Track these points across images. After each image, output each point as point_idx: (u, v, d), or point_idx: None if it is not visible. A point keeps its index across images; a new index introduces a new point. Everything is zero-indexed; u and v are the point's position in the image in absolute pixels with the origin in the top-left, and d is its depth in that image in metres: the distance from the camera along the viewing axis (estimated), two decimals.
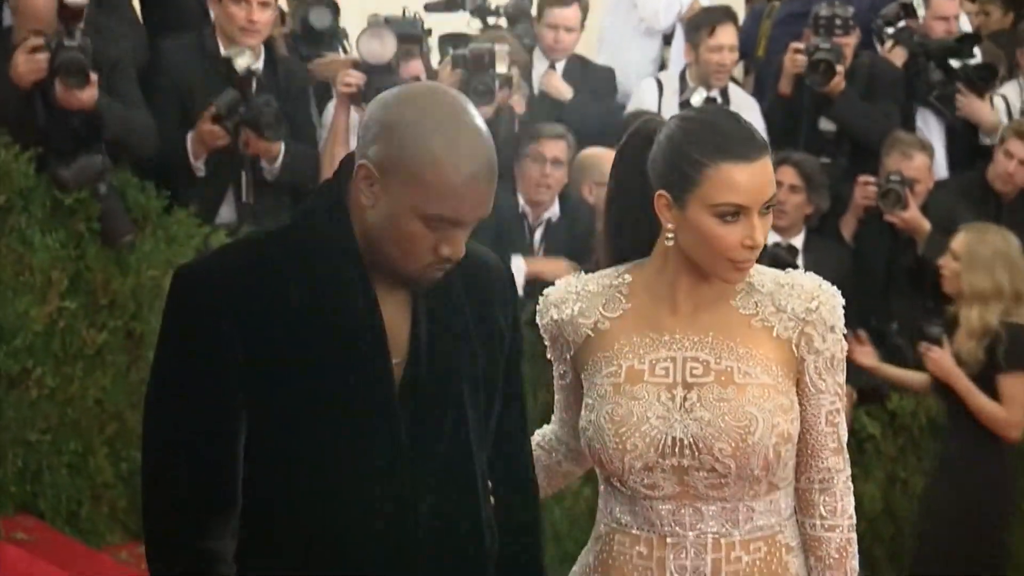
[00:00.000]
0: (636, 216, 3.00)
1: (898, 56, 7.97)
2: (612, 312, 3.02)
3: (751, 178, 2.86)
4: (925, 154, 7.36)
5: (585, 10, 7.97)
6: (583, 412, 3.03)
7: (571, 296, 3.06)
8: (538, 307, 3.12)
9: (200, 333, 2.80)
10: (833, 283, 3.05)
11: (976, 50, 7.96)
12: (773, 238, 7.19)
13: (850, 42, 7.86)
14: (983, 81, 7.82)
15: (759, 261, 2.99)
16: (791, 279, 3.02)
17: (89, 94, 5.93)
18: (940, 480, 6.27)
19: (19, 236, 5.98)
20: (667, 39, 8.52)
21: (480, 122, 2.81)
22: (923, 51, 7.87)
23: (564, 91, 7.78)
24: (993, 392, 6.10)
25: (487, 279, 3.00)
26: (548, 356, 3.16)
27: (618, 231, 3.05)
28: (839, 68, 7.57)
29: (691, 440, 2.90)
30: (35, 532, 5.93)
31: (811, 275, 3.05)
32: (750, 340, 2.96)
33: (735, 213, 2.87)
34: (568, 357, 3.08)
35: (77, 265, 6.09)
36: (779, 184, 7.13)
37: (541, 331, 3.14)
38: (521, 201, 6.98)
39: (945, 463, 6.29)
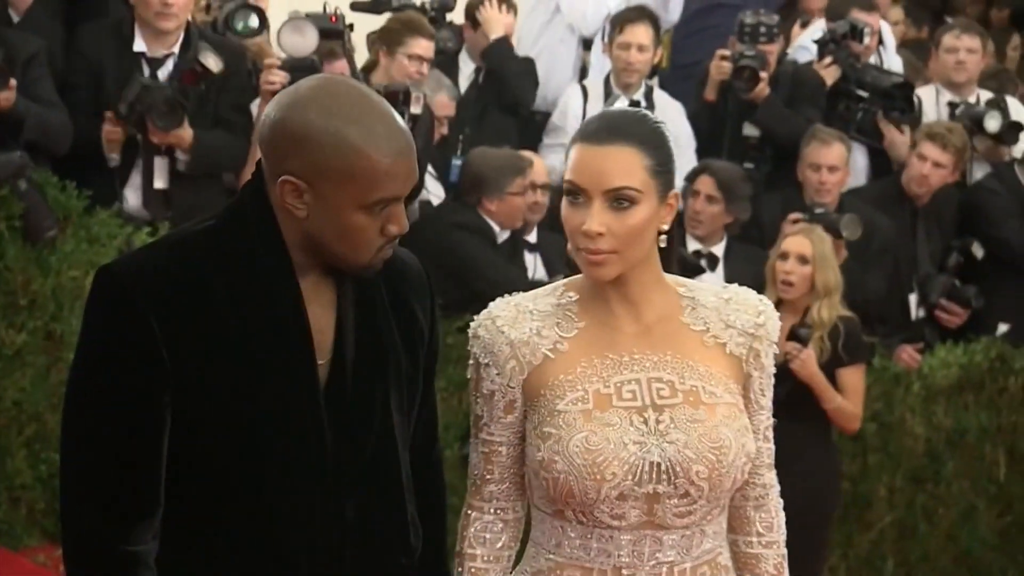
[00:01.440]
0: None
1: (830, 74, 8.01)
2: (568, 332, 2.89)
3: (598, 161, 2.84)
4: (843, 144, 7.44)
5: (515, 10, 8.01)
6: (538, 445, 2.85)
7: (524, 315, 2.90)
8: (479, 328, 2.93)
9: (123, 332, 2.76)
10: (754, 289, 3.03)
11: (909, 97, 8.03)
12: (693, 246, 7.22)
13: (774, 50, 7.94)
14: (902, 112, 7.93)
15: (669, 270, 2.96)
16: (732, 293, 2.98)
17: (7, 97, 5.91)
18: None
19: None
20: (587, 44, 8.52)
21: (380, 99, 2.83)
22: (856, 82, 7.94)
23: (496, 28, 7.85)
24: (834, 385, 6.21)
25: (405, 278, 3.00)
26: (477, 393, 2.94)
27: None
28: (763, 75, 7.64)
29: (668, 464, 2.81)
30: None
31: (746, 289, 3.02)
32: (707, 358, 2.91)
33: (578, 203, 2.85)
34: (518, 383, 2.89)
35: None
36: (696, 194, 7.21)
37: (480, 353, 2.92)
38: None
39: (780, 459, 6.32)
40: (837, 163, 7.36)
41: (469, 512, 2.98)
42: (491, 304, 2.92)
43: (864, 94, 7.92)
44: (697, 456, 2.82)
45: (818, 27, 8.39)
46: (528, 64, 8.01)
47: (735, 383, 2.92)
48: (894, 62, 8.54)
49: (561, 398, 2.85)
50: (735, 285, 3.00)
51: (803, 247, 6.30)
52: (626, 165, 2.82)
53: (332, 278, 2.88)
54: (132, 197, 6.45)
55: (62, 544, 2.83)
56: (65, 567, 2.84)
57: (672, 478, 2.82)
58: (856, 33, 8.02)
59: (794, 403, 6.13)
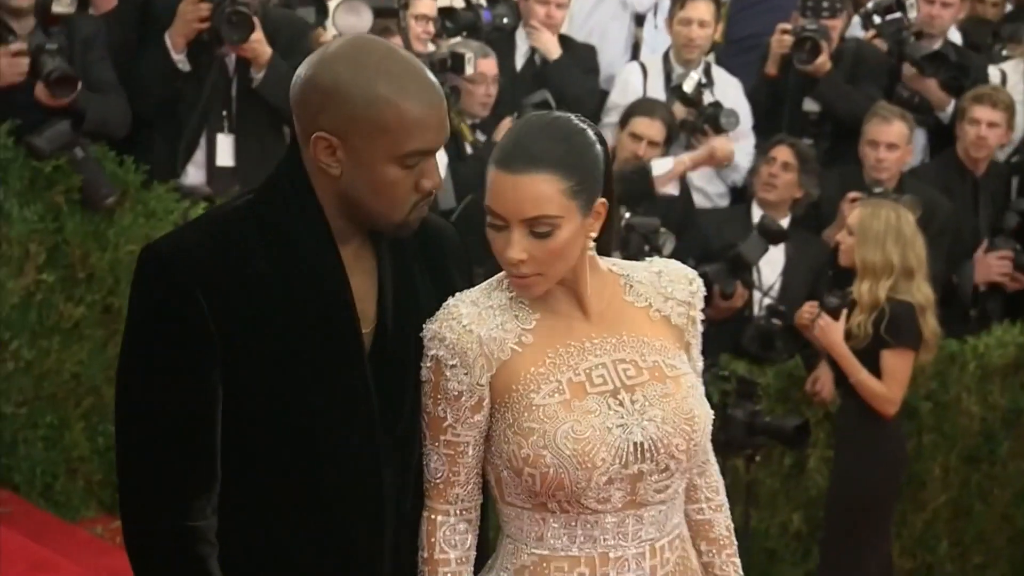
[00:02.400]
0: None
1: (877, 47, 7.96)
2: (528, 325, 2.88)
3: (510, 191, 2.78)
4: (904, 123, 7.37)
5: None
6: (519, 442, 2.83)
7: (484, 311, 2.87)
8: (442, 329, 2.86)
9: (170, 309, 2.79)
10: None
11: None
12: (758, 214, 7.22)
13: (837, 25, 7.86)
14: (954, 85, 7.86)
15: (607, 249, 2.97)
16: (660, 266, 3.01)
17: (72, 97, 5.99)
18: (837, 455, 6.30)
19: None
20: (639, 20, 8.49)
21: (409, 54, 2.86)
22: (899, 52, 7.88)
23: (552, 49, 7.78)
24: (878, 368, 6.13)
25: (442, 244, 3.03)
26: (438, 395, 2.88)
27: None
28: (824, 46, 7.57)
29: (650, 442, 2.84)
30: (9, 505, 5.92)
31: (669, 260, 3.04)
32: (657, 332, 2.94)
33: (499, 227, 2.81)
34: (487, 380, 2.85)
35: (55, 238, 6.08)
36: (772, 160, 7.20)
37: (444, 355, 2.85)
38: None
39: (838, 438, 6.33)
40: (897, 141, 7.30)
41: (433, 516, 2.93)
42: (447, 305, 2.87)
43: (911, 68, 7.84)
44: (675, 430, 2.86)
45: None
46: (591, 82, 7.96)
47: (683, 352, 2.97)
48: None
49: (536, 391, 2.84)
50: (657, 258, 3.01)
51: (851, 218, 6.30)
52: (541, 194, 2.77)
53: (372, 246, 2.91)
54: (195, 174, 6.51)
55: (122, 522, 2.86)
56: (126, 544, 2.87)
57: (654, 455, 2.84)
58: (900, 5, 7.93)
59: (846, 382, 6.15)
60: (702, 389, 2.97)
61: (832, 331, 6.13)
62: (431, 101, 2.79)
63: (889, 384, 6.11)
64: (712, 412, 2.96)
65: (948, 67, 7.84)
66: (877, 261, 6.09)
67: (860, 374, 6.10)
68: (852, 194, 7.18)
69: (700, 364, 3.03)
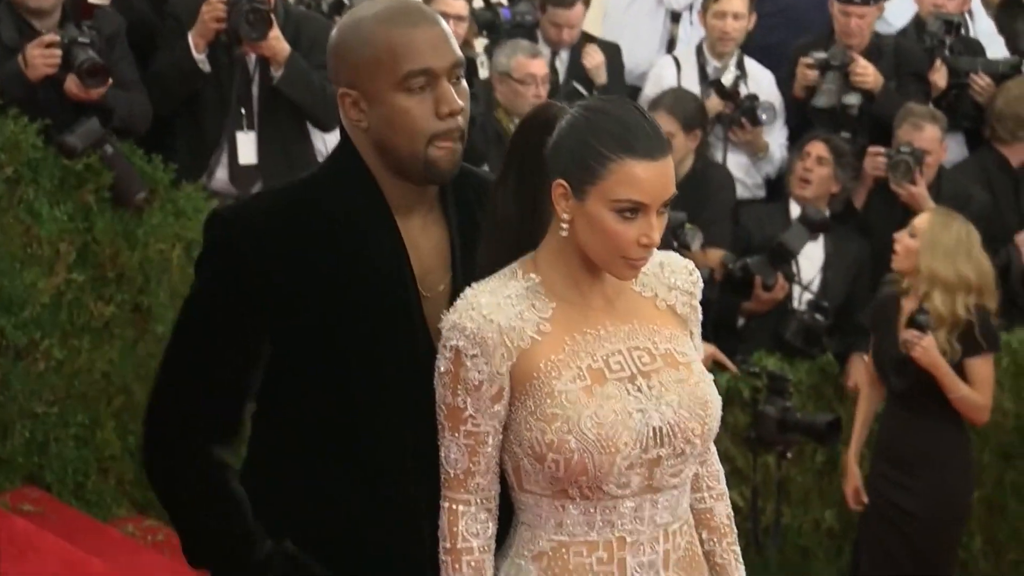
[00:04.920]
0: (527, 205, 2.94)
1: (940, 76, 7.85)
2: (545, 313, 2.90)
3: (654, 176, 2.82)
4: (936, 125, 7.31)
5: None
6: (543, 428, 2.85)
7: (504, 300, 2.88)
8: (462, 319, 2.87)
9: (227, 273, 2.92)
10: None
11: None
12: (795, 211, 7.19)
13: (874, 12, 7.77)
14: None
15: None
16: (661, 257, 3.02)
17: (100, 92, 6.01)
18: (905, 470, 6.17)
19: (27, 208, 5.98)
20: (675, 17, 8.46)
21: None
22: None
23: (601, 74, 7.77)
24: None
25: None
26: (458, 385, 2.88)
27: (509, 220, 2.95)
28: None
29: (668, 427, 2.89)
30: (41, 504, 5.94)
31: (667, 251, 3.06)
32: (664, 321, 2.99)
33: (634, 210, 2.82)
34: (507, 369, 2.87)
35: (85, 237, 6.09)
36: (807, 155, 7.18)
37: (465, 344, 2.86)
38: None
39: (911, 453, 6.17)
40: (929, 147, 7.23)
41: (454, 507, 2.93)
42: (465, 295, 2.88)
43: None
44: (690, 414, 2.91)
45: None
46: (613, 59, 7.96)
47: (690, 340, 3.03)
48: (983, 28, 8.35)
49: (557, 378, 2.86)
50: (657, 251, 2.98)
51: (919, 222, 6.17)
52: (672, 173, 2.87)
53: (441, 216, 3.02)
54: (221, 173, 6.52)
55: (144, 451, 3.00)
56: (148, 475, 3.02)
57: (672, 440, 2.89)
58: (951, 27, 7.85)
59: (921, 397, 6.07)
60: (710, 376, 3.02)
61: (933, 349, 6.00)
62: (418, 22, 2.90)
63: (982, 391, 6.07)
64: (720, 400, 3.00)
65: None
66: (950, 277, 5.99)
67: (962, 390, 6.03)
68: (873, 148, 7.15)
69: (701, 353, 3.07)
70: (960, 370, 6.04)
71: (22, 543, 5.58)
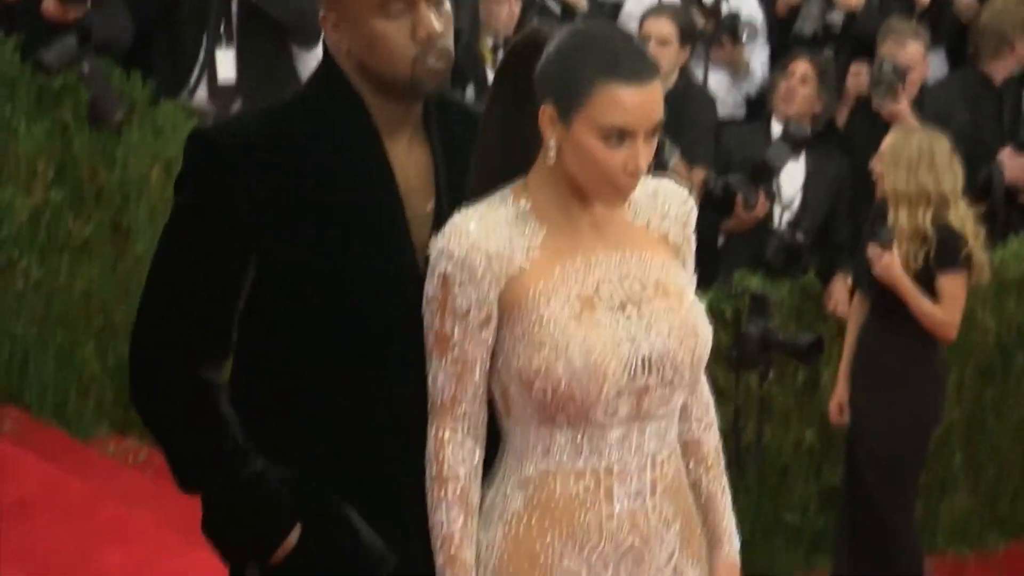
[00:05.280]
0: (516, 131, 2.89)
1: None
2: (535, 240, 2.86)
3: (641, 101, 2.77)
4: (919, 41, 7.29)
5: None
6: (530, 355, 2.82)
7: (493, 226, 2.84)
8: (449, 244, 2.82)
9: (213, 188, 2.88)
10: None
11: None
12: (777, 130, 7.17)
13: None
14: None
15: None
16: (655, 185, 2.98)
17: (82, 11, 5.93)
18: (874, 387, 6.20)
19: (4, 125, 5.93)
20: None
21: None
22: None
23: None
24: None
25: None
26: (445, 312, 2.84)
27: (498, 146, 2.91)
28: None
29: (657, 356, 2.85)
30: (21, 424, 5.93)
31: (660, 179, 3.01)
32: (656, 250, 2.94)
33: (620, 136, 2.78)
34: (495, 295, 2.83)
35: (63, 156, 6.04)
36: (791, 74, 7.14)
37: (452, 270, 2.82)
38: None
39: (879, 369, 6.20)
40: (911, 63, 7.20)
41: (440, 434, 2.89)
42: (454, 220, 2.84)
43: None
44: (680, 344, 2.87)
45: None
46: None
47: (682, 268, 2.99)
48: None
49: (546, 305, 2.83)
50: (650, 178, 2.96)
51: (884, 145, 6.19)
52: (660, 98, 2.82)
53: (425, 139, 2.98)
54: (200, 91, 6.45)
55: (130, 371, 2.95)
56: (133, 395, 2.97)
57: (661, 369, 2.86)
58: None
59: (892, 314, 6.07)
60: (702, 306, 2.98)
61: (895, 267, 6.00)
62: None
63: (948, 308, 6.04)
64: (711, 329, 2.96)
65: None
66: (911, 190, 5.97)
67: (923, 305, 6.01)
68: (855, 66, 7.12)
69: (694, 280, 3.04)
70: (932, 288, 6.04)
71: (2, 464, 5.56)
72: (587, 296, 2.86)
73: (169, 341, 2.91)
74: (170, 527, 5.28)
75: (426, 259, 2.87)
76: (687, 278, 3.00)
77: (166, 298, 2.93)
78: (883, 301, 6.10)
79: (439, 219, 2.90)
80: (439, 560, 2.86)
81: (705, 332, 2.93)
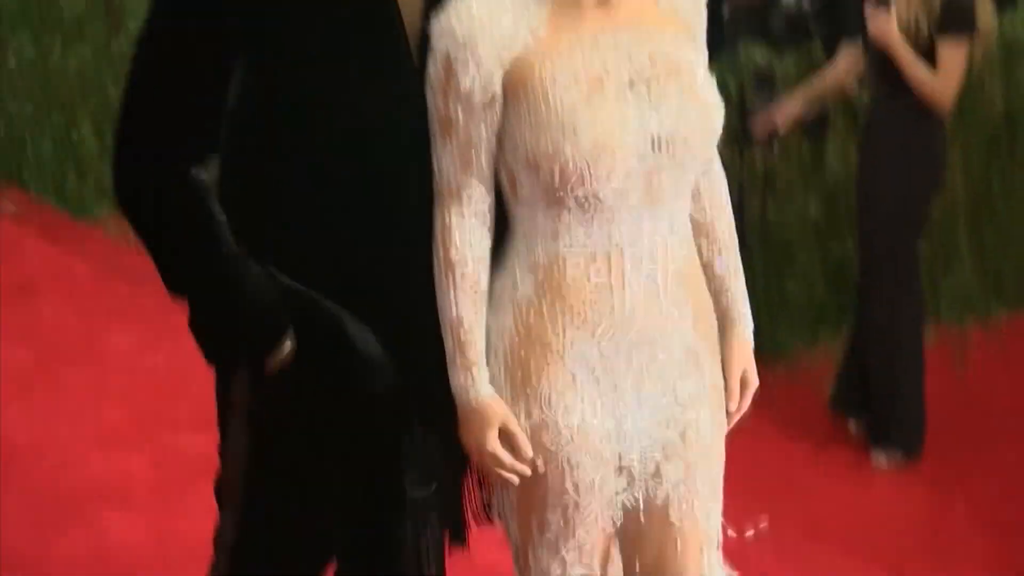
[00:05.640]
0: None
1: None
2: (540, 17, 2.78)
3: None
4: None
5: None
6: (537, 136, 2.77)
7: (497, 4, 2.76)
8: (452, 22, 2.76)
9: None
10: None
11: None
12: None
13: None
14: None
15: None
16: None
17: None
18: (875, 153, 6.12)
19: None
20: None
21: None
22: None
23: None
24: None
25: None
26: (448, 94, 2.79)
27: None
28: None
29: (667, 136, 2.79)
30: (22, 204, 5.91)
31: None
32: (667, 26, 2.87)
33: None
34: (500, 75, 2.77)
35: None
36: None
37: (454, 49, 2.76)
38: None
39: (879, 137, 6.10)
40: None
41: (447, 219, 2.86)
42: None
43: None
44: (689, 122, 2.81)
45: None
46: None
47: (694, 45, 2.91)
48: None
49: (553, 84, 2.76)
50: None
51: None
52: None
53: None
54: None
55: (113, 170, 2.80)
56: (117, 194, 2.81)
57: (671, 147, 2.80)
58: None
59: (892, 76, 5.95)
60: (713, 82, 2.91)
61: (890, 27, 5.81)
62: None
63: (944, 75, 5.84)
64: (723, 105, 2.89)
65: None
66: None
67: (919, 72, 5.84)
68: None
69: (705, 56, 2.96)
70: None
71: (4, 244, 5.55)
72: (594, 74, 2.78)
73: (155, 139, 2.78)
74: (175, 306, 5.28)
75: (419, 44, 2.78)
76: (698, 54, 2.92)
77: (150, 93, 2.79)
78: (881, 65, 5.97)
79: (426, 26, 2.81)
80: (448, 344, 2.85)
81: (716, 109, 2.86)
